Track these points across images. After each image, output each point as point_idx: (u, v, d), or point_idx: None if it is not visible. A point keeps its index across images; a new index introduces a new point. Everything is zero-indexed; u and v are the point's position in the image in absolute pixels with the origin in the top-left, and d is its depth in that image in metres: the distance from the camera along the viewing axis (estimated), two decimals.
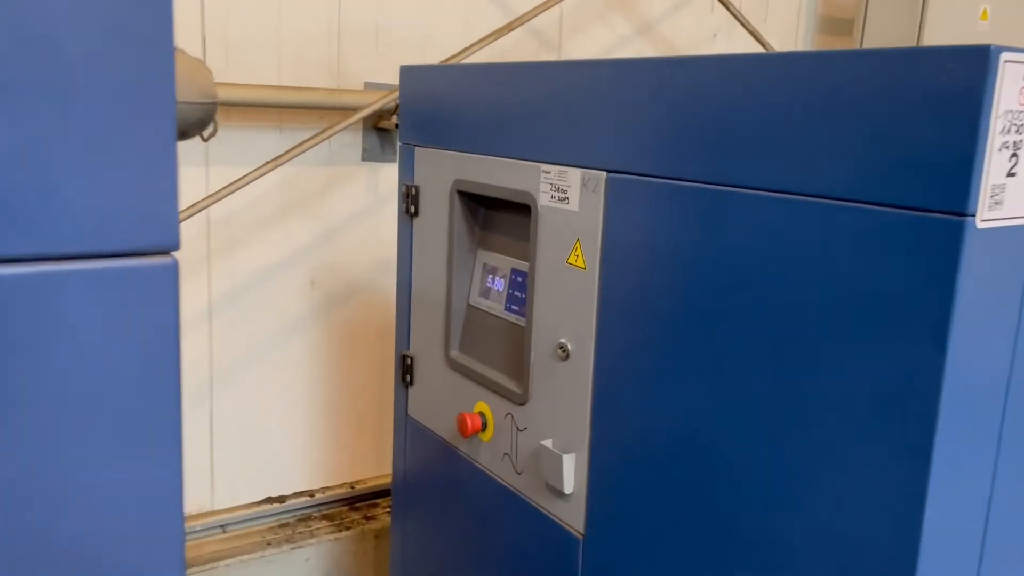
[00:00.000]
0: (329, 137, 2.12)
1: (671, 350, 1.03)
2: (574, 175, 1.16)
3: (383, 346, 2.55)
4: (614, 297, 1.11)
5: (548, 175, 1.21)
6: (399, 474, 1.68)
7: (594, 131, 1.13)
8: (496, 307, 1.40)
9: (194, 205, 2.00)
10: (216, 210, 2.23)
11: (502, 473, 1.36)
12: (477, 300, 1.45)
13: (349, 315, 2.48)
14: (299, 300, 2.39)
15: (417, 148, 1.54)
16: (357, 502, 2.57)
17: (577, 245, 1.16)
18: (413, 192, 1.55)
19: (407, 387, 1.62)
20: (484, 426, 1.39)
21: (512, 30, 2.28)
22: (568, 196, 1.17)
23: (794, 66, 0.87)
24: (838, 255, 0.84)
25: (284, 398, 2.42)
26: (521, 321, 1.34)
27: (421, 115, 1.52)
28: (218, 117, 2.15)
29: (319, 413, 2.50)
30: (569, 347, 1.19)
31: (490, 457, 1.39)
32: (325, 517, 2.50)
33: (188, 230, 2.20)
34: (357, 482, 2.59)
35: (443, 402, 1.51)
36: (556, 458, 1.20)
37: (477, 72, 1.36)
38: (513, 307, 1.37)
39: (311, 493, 2.51)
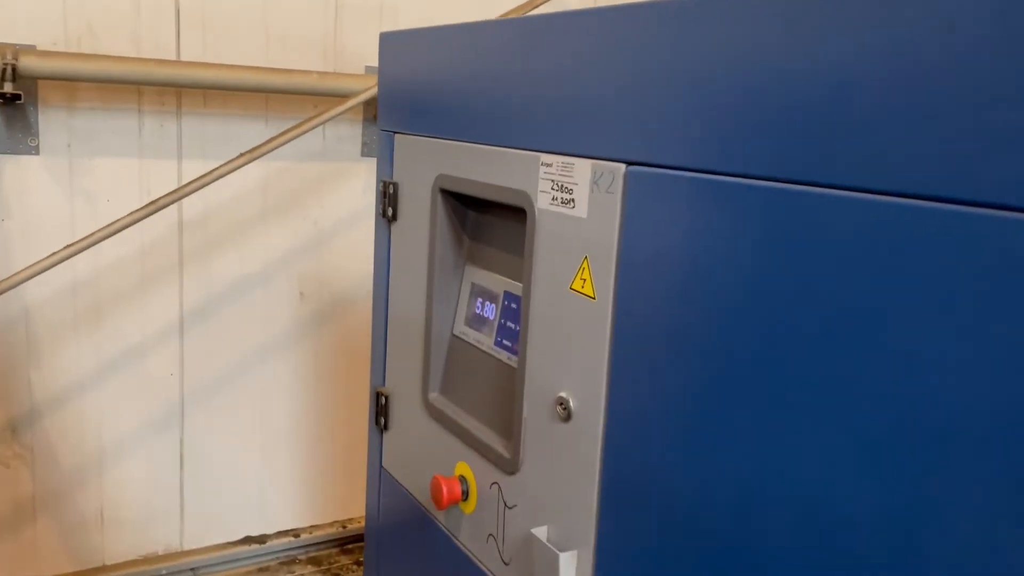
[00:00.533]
0: (316, 127, 1.82)
1: (722, 411, 0.71)
2: (582, 169, 0.84)
3: None
4: (633, 337, 0.79)
5: (548, 169, 0.89)
6: (372, 532, 1.37)
7: (610, 105, 0.81)
8: (485, 340, 1.09)
9: (154, 202, 1.71)
10: (190, 210, 1.95)
11: (486, 559, 1.04)
12: (463, 330, 1.13)
13: (343, 331, 2.18)
14: (285, 313, 2.10)
15: (397, 136, 1.23)
16: (349, 543, 2.27)
17: (584, 265, 0.84)
18: (391, 191, 1.24)
19: (381, 431, 1.30)
20: (465, 495, 1.07)
21: (536, 7, 1.96)
22: (573, 198, 0.85)
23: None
24: (993, 277, 0.51)
25: (266, 424, 2.13)
26: (513, 362, 1.02)
27: (402, 93, 1.21)
28: (183, 102, 1.87)
29: (306, 442, 2.20)
30: (571, 403, 0.87)
31: (472, 535, 1.07)
32: (311, 561, 2.20)
33: (157, 230, 1.92)
34: (349, 520, 2.28)
35: (420, 456, 1.20)
36: (551, 556, 0.87)
37: (463, 34, 1.04)
38: (505, 342, 1.05)
39: (296, 533, 2.21)
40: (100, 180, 1.84)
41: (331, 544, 2.26)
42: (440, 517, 1.14)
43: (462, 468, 1.08)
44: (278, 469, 2.17)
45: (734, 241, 0.68)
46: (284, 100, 2.00)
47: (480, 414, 1.08)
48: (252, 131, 1.97)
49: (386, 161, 1.26)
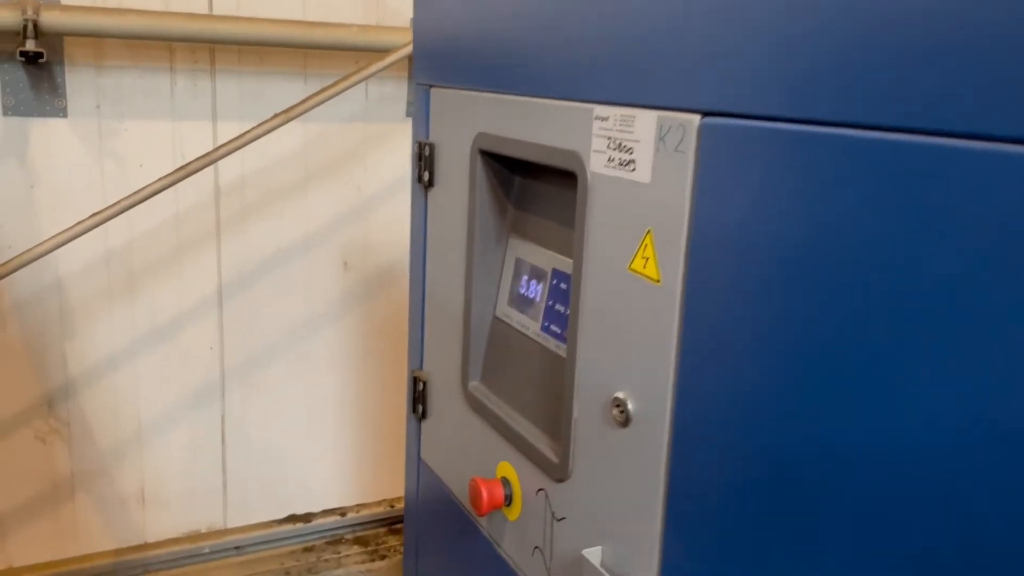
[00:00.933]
0: (356, 83, 1.69)
1: (829, 419, 0.56)
2: (645, 123, 0.69)
3: None
4: (708, 328, 0.64)
5: (603, 124, 0.74)
6: (411, 524, 1.25)
7: (682, 40, 0.65)
8: (531, 325, 0.95)
9: (187, 165, 1.60)
10: (227, 174, 1.84)
11: (531, 574, 0.91)
12: (507, 311, 1.00)
13: (390, 303, 2.06)
14: (329, 284, 1.99)
15: (433, 90, 1.09)
16: (397, 523, 2.18)
17: (646, 241, 0.69)
18: (427, 152, 1.10)
19: (419, 419, 1.18)
20: (508, 500, 0.94)
21: None
22: (634, 159, 0.70)
23: None
24: None
25: (310, 399, 2.04)
26: (562, 351, 0.88)
27: (439, 40, 1.07)
28: (217, 59, 1.75)
29: (353, 418, 2.10)
30: (629, 406, 0.73)
31: (516, 545, 0.94)
32: (358, 541, 2.12)
33: (192, 197, 1.82)
34: (397, 499, 2.19)
35: (459, 450, 1.07)
36: None
37: None
38: (553, 328, 0.91)
39: (342, 511, 2.13)
40: (131, 143, 1.75)
41: (378, 524, 2.16)
42: (482, 520, 1.01)
43: (505, 469, 0.95)
44: (323, 446, 2.08)
45: (845, 209, 0.52)
46: (323, 56, 1.86)
47: (525, 408, 0.94)
48: (290, 90, 1.85)
49: (421, 119, 1.12)
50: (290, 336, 1.98)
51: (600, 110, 0.74)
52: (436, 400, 1.14)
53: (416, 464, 1.21)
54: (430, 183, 1.10)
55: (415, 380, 1.18)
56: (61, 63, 1.66)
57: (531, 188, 0.97)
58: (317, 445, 2.07)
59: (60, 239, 1.60)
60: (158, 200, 1.66)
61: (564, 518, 0.84)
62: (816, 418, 0.55)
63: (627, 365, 0.72)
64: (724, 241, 0.62)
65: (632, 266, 0.71)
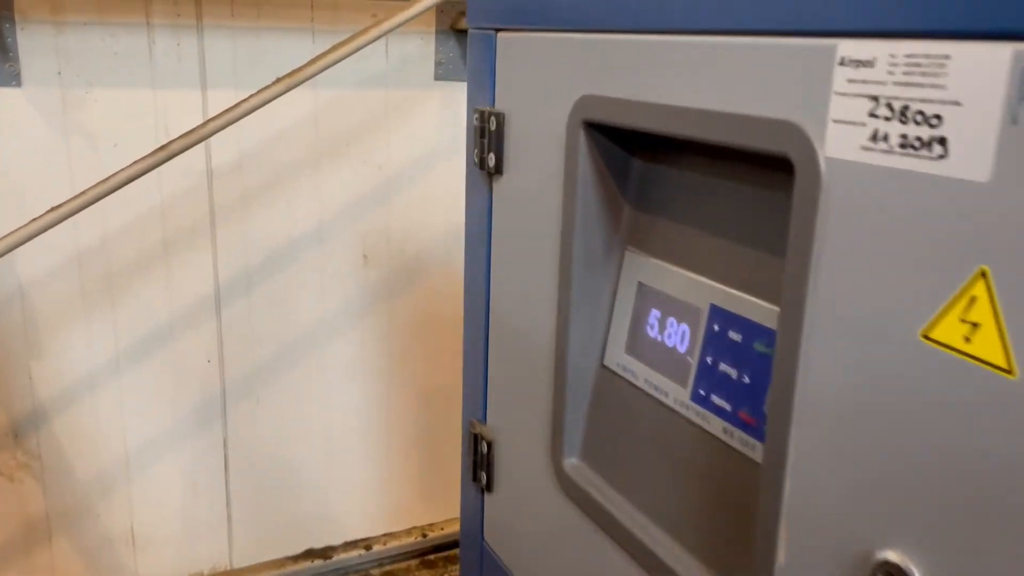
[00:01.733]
0: (375, 40, 1.35)
1: None
2: (978, 66, 0.36)
3: None
4: None
5: (859, 72, 0.41)
6: None
7: None
8: (671, 388, 0.63)
9: (171, 143, 1.28)
10: (221, 154, 1.52)
11: None
12: (624, 361, 0.68)
13: (417, 302, 1.75)
14: (346, 282, 1.68)
15: (501, 35, 0.76)
16: (431, 554, 1.88)
17: (976, 290, 0.37)
18: (492, 125, 0.77)
19: (481, 489, 0.87)
20: None
21: None
22: (945, 135, 0.37)
23: None
24: None
25: (327, 417, 1.73)
26: (750, 449, 0.55)
27: None
28: (204, 11, 1.43)
29: (376, 438, 1.80)
30: None
31: None
32: None
33: (179, 182, 1.50)
34: (430, 527, 1.89)
35: (547, 547, 0.76)
36: None
37: None
38: (718, 401, 0.59)
39: (367, 544, 1.83)
40: (102, 118, 1.42)
41: (409, 556, 1.87)
42: None
43: None
44: (344, 468, 1.78)
45: None
46: (334, 7, 1.53)
47: (658, 512, 0.62)
48: (295, 49, 1.52)
49: (483, 78, 0.79)
50: (302, 343, 1.67)
51: (851, 47, 0.42)
52: (508, 470, 0.82)
53: (478, 547, 0.90)
54: (497, 169, 0.78)
55: (475, 438, 0.86)
56: (11, 19, 1.33)
57: (664, 178, 0.65)
58: (336, 468, 1.77)
59: (18, 237, 1.28)
60: (138, 187, 1.34)
61: None
62: None
63: (917, 510, 0.40)
64: None
65: (934, 333, 0.39)
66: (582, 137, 0.65)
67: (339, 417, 1.74)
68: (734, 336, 0.57)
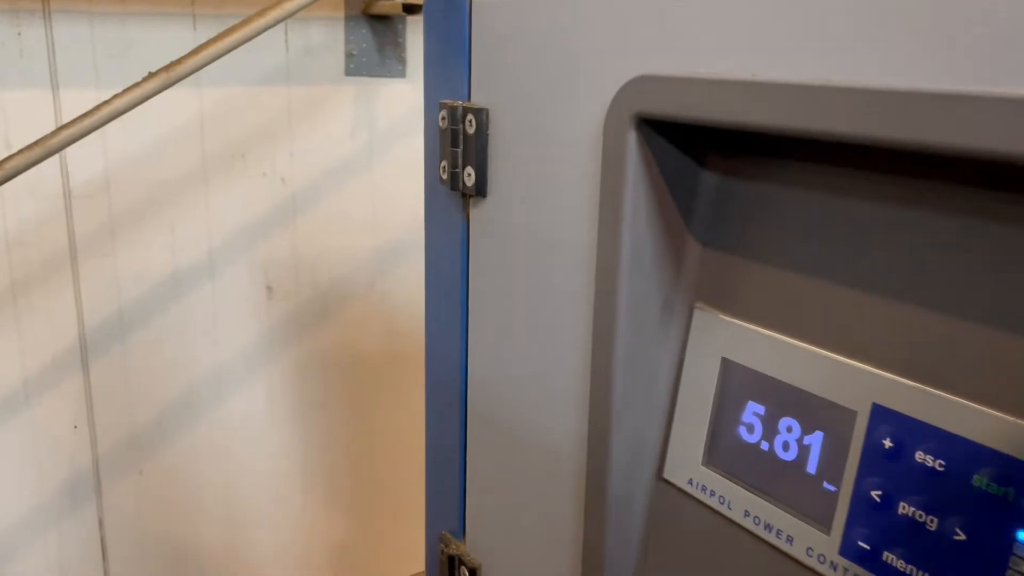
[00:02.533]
0: (272, 26, 1.09)
1: None
2: None
3: (402, 376, 1.55)
4: None
5: None
6: None
7: None
8: (796, 531, 0.40)
9: (7, 160, 0.99)
10: (81, 170, 1.22)
11: None
12: (700, 474, 0.44)
13: (336, 337, 1.48)
14: (246, 319, 1.40)
15: None
16: None
17: None
18: (470, 127, 0.53)
19: None
20: None
21: None
22: None
23: None
24: None
25: (228, 481, 1.44)
26: None
27: None
28: None
29: (292, 502, 1.52)
30: None
31: None
32: None
33: (27, 209, 1.19)
34: None
35: None
36: None
37: None
38: (892, 562, 0.36)
39: None
40: None
41: None
42: None
43: None
44: (250, 548, 1.49)
45: None
46: None
47: None
48: (171, 38, 1.23)
49: (451, 60, 0.55)
50: (193, 398, 1.38)
51: None
52: None
53: None
54: (478, 189, 0.54)
55: (451, 562, 0.62)
56: None
57: (762, 199, 0.42)
58: (242, 546, 1.48)
59: None
60: None
61: None
62: None
63: None
64: None
65: None
66: (632, 140, 0.42)
67: (245, 484, 1.46)
68: (924, 459, 0.35)
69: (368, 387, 1.51)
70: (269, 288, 1.41)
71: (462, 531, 0.62)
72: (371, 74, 1.38)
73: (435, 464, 0.64)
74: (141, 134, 1.24)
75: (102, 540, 1.36)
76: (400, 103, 1.42)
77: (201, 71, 1.07)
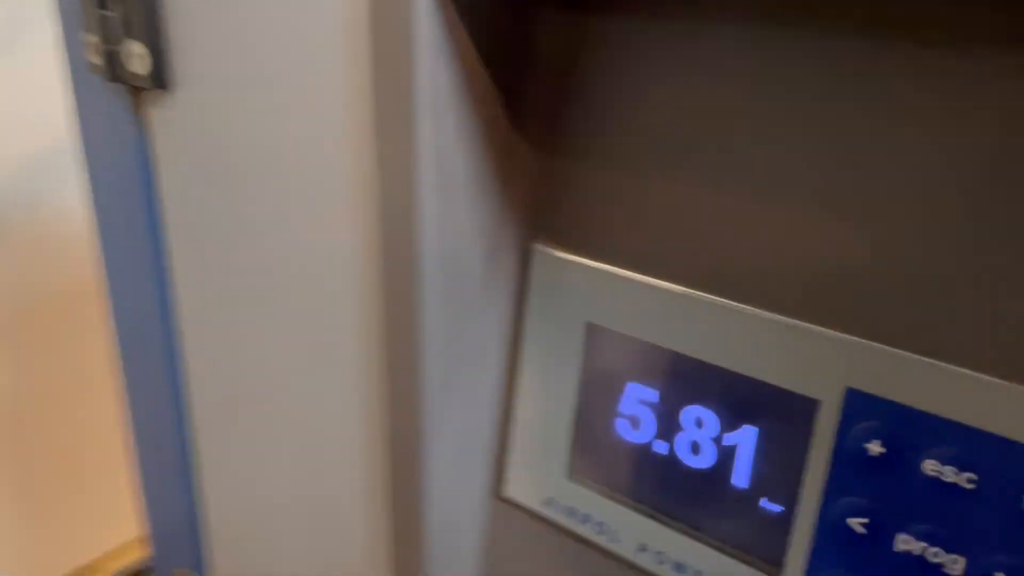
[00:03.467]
0: None
1: None
2: None
3: (90, 326, 1.23)
4: None
5: None
6: None
7: None
8: (734, 571, 0.27)
9: None
10: None
11: None
12: (562, 492, 0.30)
13: None
14: None
15: None
16: None
17: None
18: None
19: None
20: None
21: None
22: None
23: None
24: None
25: None
26: None
27: None
28: None
29: None
30: None
31: None
32: None
33: None
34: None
35: None
36: None
37: None
38: None
39: None
40: None
41: None
42: None
43: None
44: None
45: None
46: None
47: None
48: None
49: None
50: None
51: None
52: None
53: None
54: (156, 79, 0.33)
55: None
56: None
57: (623, 63, 0.27)
58: None
59: None
60: None
61: None
62: None
63: None
64: None
65: None
66: None
67: None
68: (940, 472, 0.23)
69: (40, 342, 1.20)
70: None
71: (197, 564, 0.44)
72: None
73: (150, 479, 0.45)
74: None
75: None
76: None
77: None
